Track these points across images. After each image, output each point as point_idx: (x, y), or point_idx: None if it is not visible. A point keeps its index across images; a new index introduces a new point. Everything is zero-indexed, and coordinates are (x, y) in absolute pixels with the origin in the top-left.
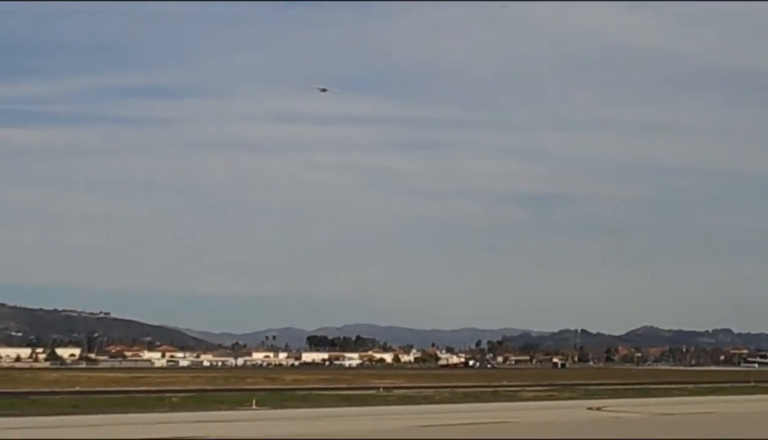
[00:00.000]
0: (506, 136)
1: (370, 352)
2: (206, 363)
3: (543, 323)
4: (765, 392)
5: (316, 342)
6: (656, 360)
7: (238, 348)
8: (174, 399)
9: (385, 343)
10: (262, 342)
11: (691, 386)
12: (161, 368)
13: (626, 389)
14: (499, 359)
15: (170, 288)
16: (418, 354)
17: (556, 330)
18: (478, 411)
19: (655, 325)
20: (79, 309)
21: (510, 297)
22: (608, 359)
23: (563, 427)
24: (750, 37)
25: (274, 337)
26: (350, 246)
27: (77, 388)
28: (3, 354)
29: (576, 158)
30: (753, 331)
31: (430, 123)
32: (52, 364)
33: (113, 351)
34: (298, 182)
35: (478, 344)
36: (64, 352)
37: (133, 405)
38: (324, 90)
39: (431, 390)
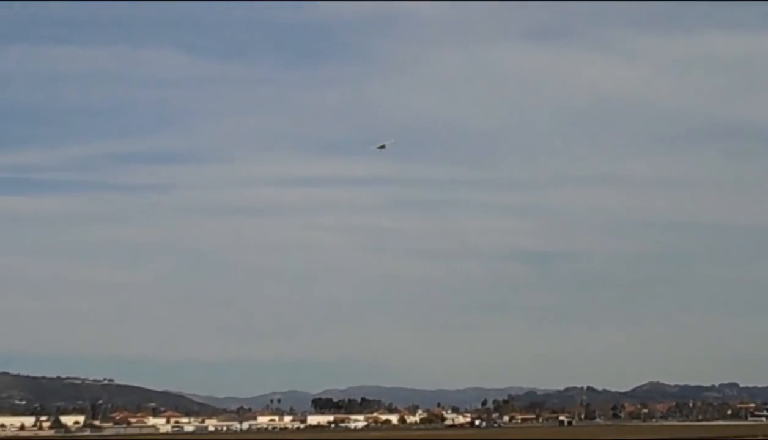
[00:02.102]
0: (506, 193)
1: (375, 414)
2: (211, 428)
3: (549, 381)
4: None
5: (321, 404)
6: (663, 416)
7: (243, 412)
8: None
9: (390, 404)
10: (267, 405)
11: None
12: (166, 434)
13: None
14: (506, 418)
15: (173, 353)
16: (424, 415)
17: (561, 387)
18: None
19: (661, 381)
20: (82, 376)
21: (515, 355)
22: (615, 416)
23: None
24: (750, 90)
25: (278, 400)
26: (352, 308)
27: None
28: (7, 424)
29: (577, 214)
30: (759, 385)
31: (429, 182)
32: (56, 432)
33: (117, 417)
34: (299, 245)
35: (483, 403)
36: (68, 420)
37: None
38: (382, 146)
39: None
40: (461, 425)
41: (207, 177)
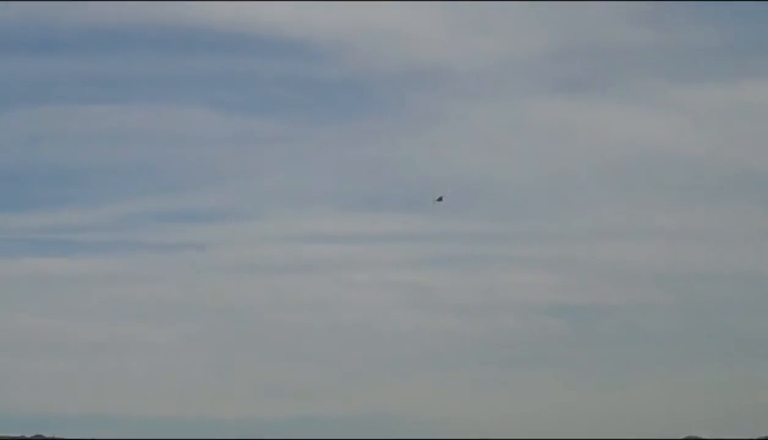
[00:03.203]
0: (540, 246)
1: None
2: None
3: (585, 434)
4: None
5: None
6: None
7: None
8: None
9: None
10: None
11: None
12: None
13: None
14: None
15: (210, 412)
16: None
17: None
18: None
19: (699, 435)
20: (119, 437)
21: (550, 409)
22: None
23: None
24: None
25: None
26: (389, 364)
27: None
28: None
29: (612, 267)
30: None
31: (463, 237)
32: None
33: None
34: (335, 302)
35: None
36: None
37: None
38: (440, 199)
39: None
40: None
41: (241, 235)
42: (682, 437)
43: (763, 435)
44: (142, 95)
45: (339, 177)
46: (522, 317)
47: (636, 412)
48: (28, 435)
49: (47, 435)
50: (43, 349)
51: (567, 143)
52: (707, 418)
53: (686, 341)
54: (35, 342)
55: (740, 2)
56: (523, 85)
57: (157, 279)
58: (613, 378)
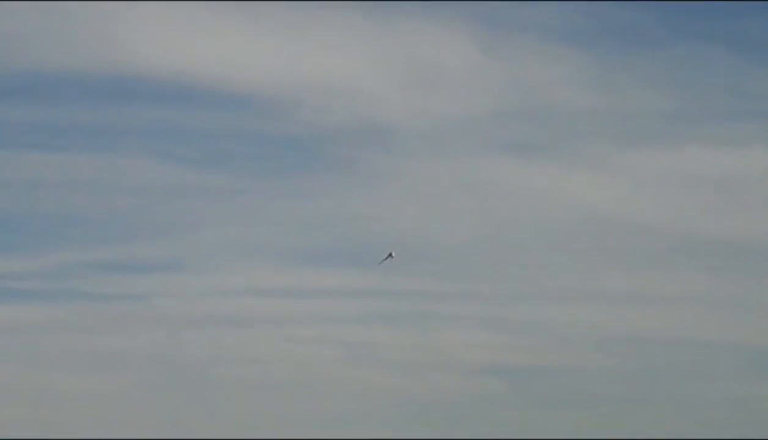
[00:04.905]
0: (485, 307)
1: None
2: None
3: None
4: None
5: None
6: None
7: None
8: None
9: None
10: None
11: None
12: None
13: None
14: None
15: None
16: None
17: None
18: None
19: None
20: None
21: None
22: None
23: None
24: (731, 207)
25: None
26: (330, 420)
27: None
28: None
29: (556, 329)
30: None
31: (407, 295)
32: None
33: None
34: (277, 356)
35: None
36: None
37: None
38: (390, 255)
39: None
40: None
41: (183, 287)
42: None
43: None
44: (85, 143)
45: (283, 231)
46: (463, 376)
47: None
48: None
49: None
50: None
51: (513, 204)
52: None
53: (629, 405)
54: None
55: (688, 69)
56: (470, 145)
57: (97, 329)
58: None
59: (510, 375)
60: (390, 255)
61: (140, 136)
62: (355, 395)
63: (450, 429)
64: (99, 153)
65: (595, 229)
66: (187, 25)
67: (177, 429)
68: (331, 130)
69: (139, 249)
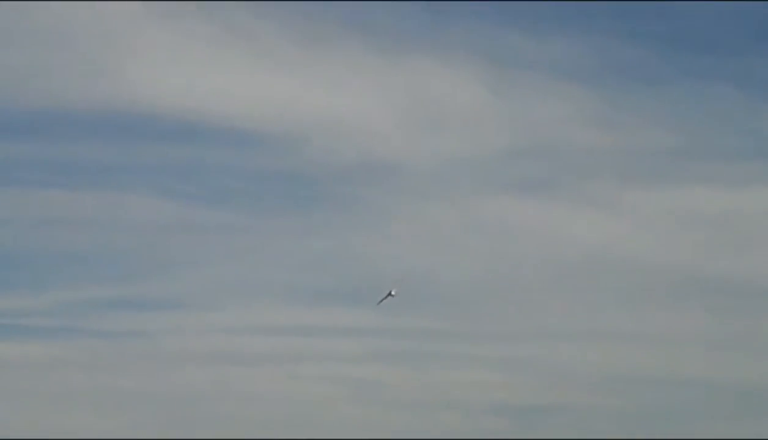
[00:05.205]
0: (490, 346)
1: None
2: None
3: None
4: None
5: None
6: None
7: None
8: None
9: None
10: None
11: None
12: None
13: None
14: None
15: None
16: None
17: None
18: None
19: None
20: None
21: None
22: None
23: None
24: (732, 246)
25: None
26: None
27: None
28: None
29: (561, 368)
30: None
31: (413, 334)
32: None
33: None
34: (282, 395)
35: None
36: None
37: None
38: (390, 294)
39: None
40: None
41: (190, 325)
42: None
43: None
44: (88, 181)
45: (287, 269)
46: (467, 415)
47: None
48: None
49: None
50: None
51: (517, 243)
52: None
53: None
54: None
55: (692, 107)
56: (474, 184)
57: (99, 367)
58: None
59: (513, 414)
60: (390, 293)
61: (143, 173)
62: (358, 433)
63: None
64: (102, 190)
65: (598, 268)
66: (191, 61)
67: None
68: (336, 167)
69: (141, 286)
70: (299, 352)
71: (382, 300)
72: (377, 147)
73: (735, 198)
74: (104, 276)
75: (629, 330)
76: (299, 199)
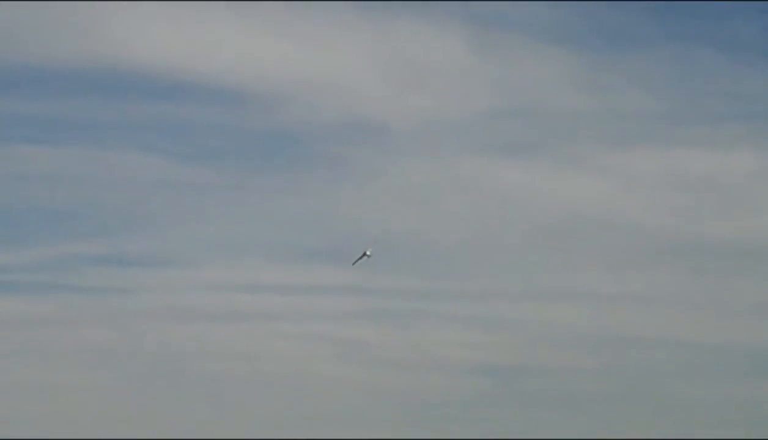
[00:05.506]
0: (473, 306)
1: None
2: None
3: None
4: None
5: None
6: None
7: None
8: None
9: None
10: None
11: None
12: None
13: None
14: None
15: None
16: None
17: None
18: None
19: None
20: None
21: None
22: None
23: None
24: (717, 208)
25: None
26: (317, 418)
27: None
28: None
29: (544, 329)
30: None
31: (395, 293)
32: None
33: None
34: (263, 353)
35: None
36: None
37: None
38: (365, 255)
39: None
40: None
41: (170, 281)
42: None
43: None
44: (74, 137)
45: (272, 228)
46: (451, 374)
47: None
48: None
49: None
50: None
51: (501, 204)
52: None
53: (614, 405)
54: None
55: (676, 70)
56: (458, 145)
57: (84, 323)
58: None
59: (497, 373)
60: (365, 254)
61: (129, 130)
62: (342, 392)
63: (436, 427)
64: (88, 147)
65: (582, 229)
66: (177, 21)
67: (163, 424)
68: (321, 126)
69: (127, 243)
70: (284, 311)
71: (357, 261)
72: (362, 107)
73: (718, 160)
74: (87, 232)
75: (612, 290)
76: (283, 158)
